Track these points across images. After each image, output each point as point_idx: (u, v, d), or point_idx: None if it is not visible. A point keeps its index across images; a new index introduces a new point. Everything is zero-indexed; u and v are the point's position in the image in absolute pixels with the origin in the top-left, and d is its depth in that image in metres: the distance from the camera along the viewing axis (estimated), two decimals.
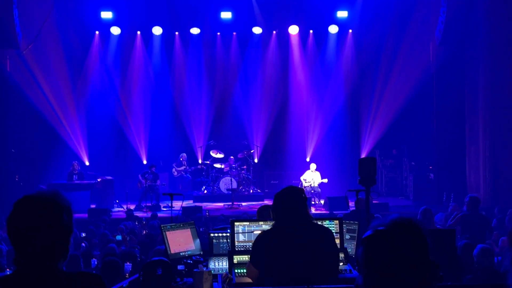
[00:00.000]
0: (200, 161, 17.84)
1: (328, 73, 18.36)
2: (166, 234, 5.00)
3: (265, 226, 4.56)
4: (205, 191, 16.90)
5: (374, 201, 12.86)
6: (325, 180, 15.70)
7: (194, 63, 18.30)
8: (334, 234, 4.76)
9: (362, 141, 18.00)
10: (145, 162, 17.84)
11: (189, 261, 4.77)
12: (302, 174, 16.20)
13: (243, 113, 18.56)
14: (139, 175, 15.75)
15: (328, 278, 3.68)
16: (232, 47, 18.37)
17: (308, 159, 18.13)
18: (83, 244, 8.22)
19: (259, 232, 4.28)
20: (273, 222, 3.79)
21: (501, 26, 13.78)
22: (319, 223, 4.79)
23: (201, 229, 9.00)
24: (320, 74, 18.44)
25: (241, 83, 18.60)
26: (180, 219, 10.11)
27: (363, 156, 17.36)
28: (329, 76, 18.36)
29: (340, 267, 4.53)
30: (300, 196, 3.73)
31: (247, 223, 4.73)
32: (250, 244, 4.29)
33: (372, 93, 17.86)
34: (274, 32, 18.28)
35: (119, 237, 8.49)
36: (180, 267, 4.66)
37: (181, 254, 4.98)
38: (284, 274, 3.58)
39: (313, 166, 16.19)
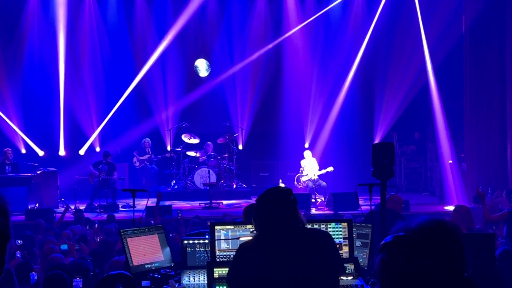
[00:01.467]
0: (168, 148, 17.80)
1: (334, 35, 18.34)
2: (127, 242, 4.98)
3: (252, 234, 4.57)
4: (176, 186, 16.89)
5: None
6: (330, 169, 15.72)
7: (161, 22, 18.18)
8: (342, 240, 4.80)
9: (375, 121, 18.08)
10: (98, 149, 17.75)
11: (156, 276, 4.76)
12: (298, 164, 16.26)
13: (224, 86, 18.51)
14: (91, 166, 15.71)
15: None
16: None
17: (307, 145, 18.18)
18: (18, 254, 8.17)
19: (247, 238, 4.27)
20: (254, 232, 3.83)
21: None
22: (322, 226, 4.81)
23: (171, 235, 8.99)
24: (323, 36, 18.42)
25: (222, 47, 18.50)
26: (145, 222, 10.09)
27: (377, 141, 17.42)
28: (335, 38, 18.35)
29: (349, 282, 4.55)
30: (287, 199, 3.75)
31: (231, 226, 4.73)
32: None
33: (389, 61, 17.89)
34: None
35: (65, 246, 8.44)
36: (145, 283, 4.65)
37: (146, 266, 4.96)
38: None
39: (308, 153, 16.28)
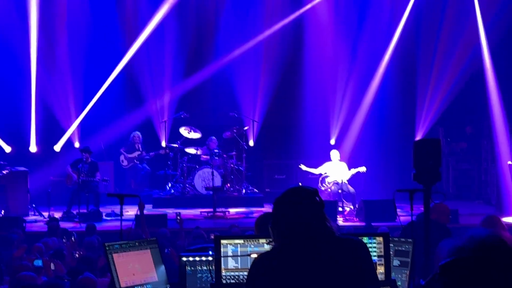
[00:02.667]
0: (163, 144, 17.83)
1: (367, 6, 18.29)
2: (112, 258, 4.98)
3: (269, 245, 4.54)
4: (172, 191, 16.93)
5: None
6: (363, 169, 15.62)
7: None
8: (376, 258, 4.79)
9: (417, 113, 18.02)
10: (77, 145, 17.81)
11: None
12: (321, 164, 16.21)
13: (232, 70, 18.51)
14: (68, 166, 15.73)
15: None
16: None
17: (332, 142, 18.14)
18: None
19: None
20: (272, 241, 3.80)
21: None
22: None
23: (166, 250, 9.01)
24: (354, 7, 18.38)
25: (229, 20, 18.49)
26: (134, 235, 10.11)
27: (419, 137, 17.36)
28: (368, 10, 18.30)
29: None
30: (312, 201, 3.73)
31: (240, 241, 4.72)
32: (246, 274, 4.30)
33: (434, 39, 17.81)
34: None
35: (39, 262, 8.49)
36: None
37: None
38: None
39: (335, 154, 16.18)
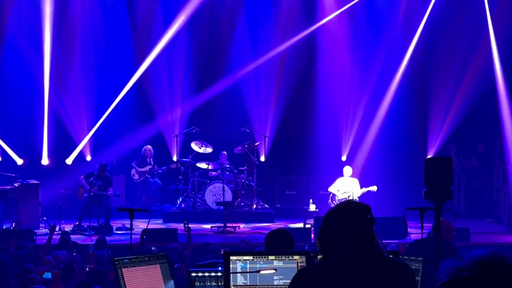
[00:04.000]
0: (175, 158, 17.84)
1: (379, 23, 18.30)
2: (122, 272, 4.99)
3: (278, 262, 4.53)
4: (183, 205, 16.92)
5: None
6: (374, 188, 15.62)
7: (168, 5, 18.24)
8: None
9: (429, 130, 17.96)
10: (88, 158, 17.85)
11: None
12: (333, 180, 16.17)
13: (244, 85, 18.53)
14: (82, 178, 15.72)
15: None
16: None
17: (344, 158, 18.11)
18: None
19: (269, 271, 4.25)
20: (319, 255, 3.75)
21: None
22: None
23: (176, 265, 9.00)
24: (366, 25, 18.39)
25: (242, 39, 18.54)
26: (144, 249, 10.11)
27: (430, 154, 17.30)
28: (380, 27, 18.29)
29: None
30: (364, 217, 3.69)
31: (250, 257, 4.71)
32: None
33: (447, 56, 17.79)
34: None
35: (48, 275, 8.49)
36: None
37: None
38: None
39: (348, 170, 16.16)
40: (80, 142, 17.91)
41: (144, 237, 10.32)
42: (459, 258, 2.65)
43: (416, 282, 3.72)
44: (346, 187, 15.84)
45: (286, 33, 18.46)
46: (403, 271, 3.63)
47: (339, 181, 16.03)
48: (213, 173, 17.02)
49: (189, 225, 11.89)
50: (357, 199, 15.64)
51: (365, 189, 15.70)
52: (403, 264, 3.71)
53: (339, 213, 3.68)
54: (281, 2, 18.47)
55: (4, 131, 17.50)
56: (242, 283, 4.63)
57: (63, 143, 17.91)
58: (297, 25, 18.52)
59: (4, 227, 14.25)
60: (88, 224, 15.02)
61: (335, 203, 15.80)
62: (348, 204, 3.75)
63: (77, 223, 15.20)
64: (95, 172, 15.60)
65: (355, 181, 15.96)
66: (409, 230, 9.97)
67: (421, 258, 5.35)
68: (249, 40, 18.60)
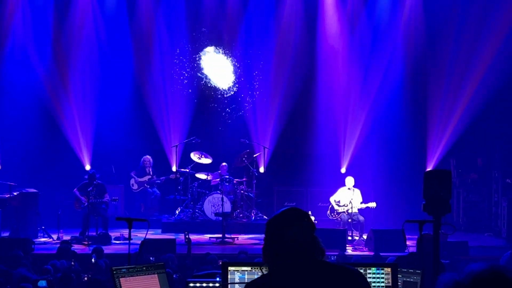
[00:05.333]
0: (174, 169, 17.83)
1: (379, 35, 18.34)
2: (119, 282, 4.98)
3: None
4: (181, 216, 16.90)
5: (447, 239, 12.83)
6: (373, 205, 15.61)
7: (170, 18, 18.31)
8: None
9: (429, 144, 17.96)
10: (88, 167, 17.82)
11: None
12: (332, 192, 16.16)
13: (244, 94, 18.56)
14: (75, 190, 15.62)
15: None
16: None
17: (343, 170, 18.10)
18: None
19: None
20: (264, 267, 3.70)
21: None
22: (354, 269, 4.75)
23: (174, 276, 9.00)
24: (366, 37, 18.42)
25: (242, 49, 18.58)
26: (142, 259, 10.09)
27: (430, 167, 17.29)
28: (380, 43, 18.34)
29: None
30: (303, 222, 3.62)
31: (248, 268, 4.71)
32: None
33: (446, 71, 17.81)
34: None
35: (43, 283, 8.48)
36: None
37: None
38: None
39: (350, 181, 16.11)
40: (79, 151, 17.92)
41: (142, 247, 10.33)
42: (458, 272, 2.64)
43: (369, 286, 3.64)
44: (348, 197, 15.78)
45: (287, 42, 18.49)
46: (352, 275, 3.55)
47: (341, 191, 15.97)
48: (216, 180, 17.00)
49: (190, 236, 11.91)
50: (357, 212, 15.63)
51: (364, 205, 15.68)
52: (351, 270, 3.61)
53: (278, 221, 3.60)
54: (282, 13, 18.51)
55: (9, 146, 17.55)
56: None
57: (62, 153, 17.90)
58: (297, 35, 18.56)
59: (3, 235, 14.23)
60: (86, 233, 15.00)
61: (334, 216, 15.81)
62: (287, 212, 3.65)
63: (81, 231, 15.06)
64: (91, 181, 15.45)
65: (357, 192, 15.89)
66: (408, 242, 10.03)
67: (419, 271, 5.35)
68: (250, 49, 18.64)
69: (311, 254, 3.52)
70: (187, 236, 11.85)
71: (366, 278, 3.66)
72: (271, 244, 3.59)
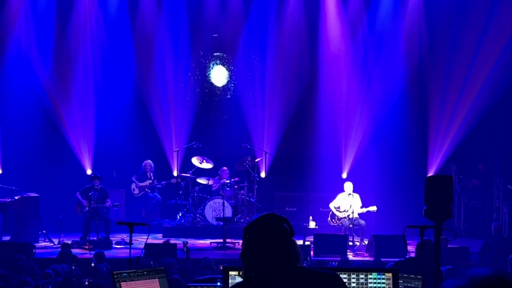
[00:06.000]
0: (175, 173, 17.82)
1: (381, 45, 18.35)
2: (120, 287, 4.97)
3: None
4: (182, 221, 16.90)
5: (448, 245, 12.81)
6: (373, 208, 15.59)
7: (171, 22, 18.32)
8: None
9: (430, 150, 17.96)
10: (89, 171, 17.81)
11: None
12: (333, 198, 16.14)
13: (245, 100, 18.56)
14: (78, 194, 15.66)
15: None
16: None
17: (344, 176, 18.08)
18: None
19: None
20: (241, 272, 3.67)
21: None
22: (361, 277, 4.75)
23: (175, 279, 8.98)
24: (367, 45, 18.43)
25: (243, 54, 18.60)
26: (143, 263, 10.09)
27: (431, 173, 17.27)
28: (382, 48, 18.35)
29: None
30: (279, 228, 3.60)
31: None
32: None
33: (448, 76, 17.82)
34: None
35: None
36: None
37: None
38: None
39: (348, 186, 16.09)
40: (80, 154, 17.92)
41: (143, 251, 10.33)
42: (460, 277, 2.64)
43: None
44: (348, 203, 15.76)
45: (289, 48, 18.50)
46: (329, 280, 3.51)
47: (340, 197, 15.94)
48: (217, 185, 16.99)
49: (188, 246, 11.90)
50: (358, 216, 15.60)
51: (364, 209, 15.65)
52: (329, 274, 3.57)
53: (255, 227, 3.61)
54: (284, 18, 18.51)
55: (10, 150, 17.55)
56: None
57: (62, 158, 17.91)
58: (299, 40, 18.57)
59: (4, 239, 14.22)
60: (87, 238, 14.99)
61: (335, 222, 15.79)
62: (265, 217, 3.65)
63: (82, 235, 15.08)
64: (95, 186, 15.46)
65: (357, 197, 15.86)
66: (409, 248, 10.01)
67: (420, 277, 5.34)
68: (252, 54, 18.66)
69: (287, 260, 3.49)
70: (186, 247, 11.83)
71: (344, 282, 3.60)
72: (248, 250, 3.58)
